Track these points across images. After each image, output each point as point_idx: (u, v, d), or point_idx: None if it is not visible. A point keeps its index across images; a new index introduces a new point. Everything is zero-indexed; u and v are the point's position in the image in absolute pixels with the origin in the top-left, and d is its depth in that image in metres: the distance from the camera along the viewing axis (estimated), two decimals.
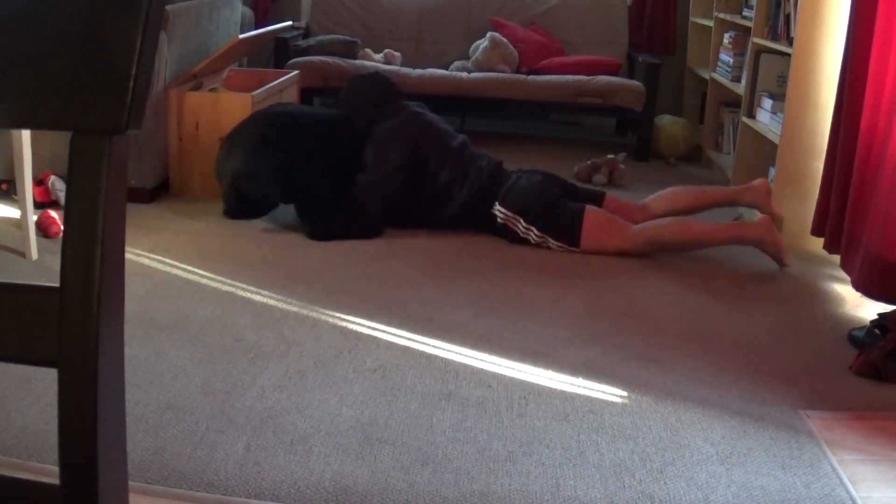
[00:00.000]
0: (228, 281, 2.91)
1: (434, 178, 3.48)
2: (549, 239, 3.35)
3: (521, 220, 3.38)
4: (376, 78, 3.78)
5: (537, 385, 2.30)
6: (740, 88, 4.19)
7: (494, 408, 2.17)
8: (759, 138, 3.88)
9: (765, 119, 3.79)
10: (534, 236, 3.37)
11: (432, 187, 3.48)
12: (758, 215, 3.40)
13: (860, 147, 2.81)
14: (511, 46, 5.22)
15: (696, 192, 3.61)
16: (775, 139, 3.57)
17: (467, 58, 5.31)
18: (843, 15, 3.20)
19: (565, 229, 3.33)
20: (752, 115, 3.97)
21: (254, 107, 3.77)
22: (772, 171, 3.62)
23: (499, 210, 3.43)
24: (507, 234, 3.43)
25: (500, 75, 5.04)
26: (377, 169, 3.46)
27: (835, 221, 3.01)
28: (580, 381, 2.33)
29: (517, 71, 5.17)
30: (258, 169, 3.43)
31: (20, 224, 3.00)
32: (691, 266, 3.30)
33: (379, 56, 5.31)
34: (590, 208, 3.35)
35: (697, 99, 5.32)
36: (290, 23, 4.93)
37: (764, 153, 3.86)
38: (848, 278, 2.89)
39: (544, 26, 5.48)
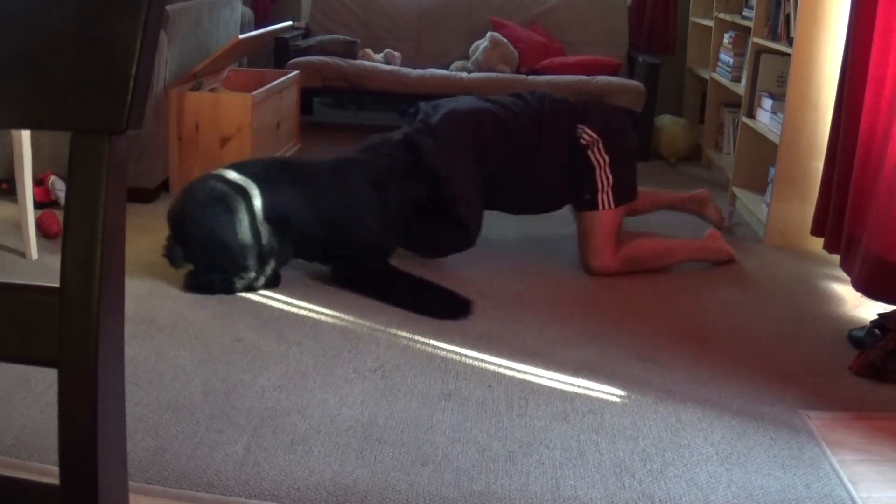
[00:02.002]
0: None
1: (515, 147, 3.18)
2: (610, 186, 3.15)
3: (601, 144, 3.15)
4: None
5: (537, 385, 2.30)
6: (740, 88, 4.19)
7: (494, 408, 2.17)
8: (759, 138, 3.88)
9: (765, 119, 3.79)
10: (606, 164, 3.14)
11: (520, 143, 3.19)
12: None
13: (860, 147, 2.81)
14: (511, 46, 5.22)
15: (650, 195, 3.57)
16: (775, 139, 3.57)
17: (467, 58, 5.31)
18: (843, 15, 3.20)
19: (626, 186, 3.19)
20: (752, 115, 3.97)
21: (254, 107, 3.77)
22: (772, 171, 3.62)
23: (583, 131, 3.17)
24: (582, 163, 3.15)
25: (500, 75, 5.04)
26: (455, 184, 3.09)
27: (835, 221, 3.01)
28: (580, 381, 2.33)
29: (517, 71, 5.17)
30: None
31: (20, 224, 2.99)
32: (691, 266, 3.30)
33: (379, 56, 5.31)
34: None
35: (697, 99, 5.32)
36: (290, 23, 4.93)
37: (764, 153, 3.86)
38: (848, 278, 2.89)
39: (544, 26, 5.48)
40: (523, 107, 3.24)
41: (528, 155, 3.17)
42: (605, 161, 3.14)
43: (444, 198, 3.06)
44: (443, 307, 2.77)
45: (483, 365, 2.40)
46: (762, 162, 3.89)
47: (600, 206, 3.14)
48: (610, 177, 3.14)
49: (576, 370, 2.39)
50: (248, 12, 5.23)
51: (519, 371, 2.37)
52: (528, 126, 3.18)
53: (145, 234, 3.33)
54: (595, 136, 3.14)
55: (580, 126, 3.16)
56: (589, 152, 3.14)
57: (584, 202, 3.16)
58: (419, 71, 5.08)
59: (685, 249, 3.30)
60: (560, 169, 3.18)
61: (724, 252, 3.33)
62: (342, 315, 2.68)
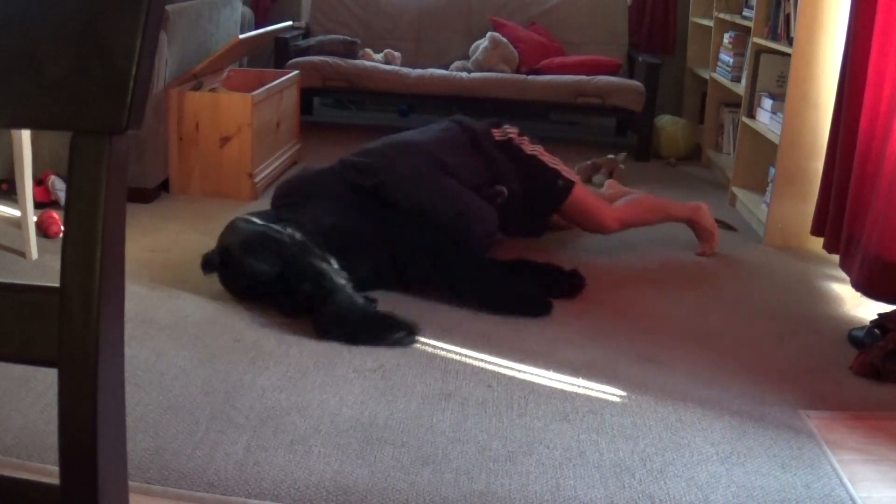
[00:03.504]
0: None
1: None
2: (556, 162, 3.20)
3: (526, 138, 3.22)
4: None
5: (537, 385, 2.30)
6: (740, 88, 4.19)
7: (494, 408, 2.17)
8: (759, 138, 3.88)
9: (765, 119, 3.79)
10: (541, 151, 3.21)
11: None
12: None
13: (859, 147, 2.82)
14: (511, 46, 5.22)
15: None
16: (775, 139, 3.57)
17: (467, 58, 5.31)
18: (843, 15, 3.20)
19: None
20: (752, 115, 3.97)
21: (254, 107, 3.77)
22: (772, 171, 3.62)
23: (505, 130, 3.22)
24: (524, 159, 3.16)
25: (500, 75, 5.04)
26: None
27: (834, 221, 3.01)
28: (580, 381, 2.33)
29: (517, 71, 5.17)
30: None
31: (20, 224, 2.99)
32: (691, 266, 3.30)
33: (379, 56, 5.31)
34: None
35: (697, 99, 5.32)
36: (290, 23, 4.93)
37: (764, 153, 3.86)
38: (848, 278, 2.89)
39: (544, 26, 5.48)
40: (450, 138, 3.18)
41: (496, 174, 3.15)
42: (539, 148, 3.24)
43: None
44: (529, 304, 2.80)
45: (483, 365, 2.40)
46: (762, 162, 3.89)
47: (574, 182, 3.21)
48: (554, 157, 3.25)
49: (576, 370, 2.39)
50: (248, 12, 5.23)
51: (519, 371, 2.37)
52: (472, 156, 3.14)
53: (145, 234, 3.33)
54: (515, 130, 3.24)
55: (496, 129, 3.23)
56: (523, 146, 3.21)
57: (560, 190, 3.19)
58: (419, 71, 5.08)
59: (674, 210, 3.42)
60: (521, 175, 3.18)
61: (709, 230, 3.40)
62: None
